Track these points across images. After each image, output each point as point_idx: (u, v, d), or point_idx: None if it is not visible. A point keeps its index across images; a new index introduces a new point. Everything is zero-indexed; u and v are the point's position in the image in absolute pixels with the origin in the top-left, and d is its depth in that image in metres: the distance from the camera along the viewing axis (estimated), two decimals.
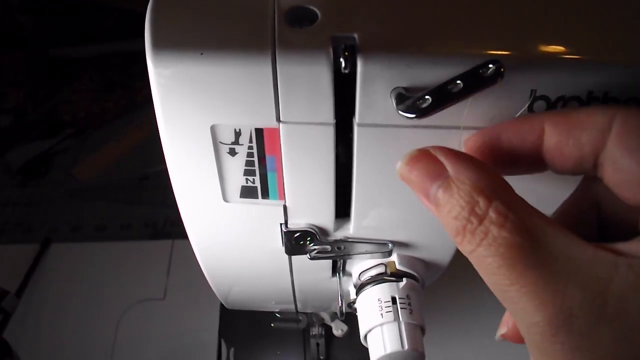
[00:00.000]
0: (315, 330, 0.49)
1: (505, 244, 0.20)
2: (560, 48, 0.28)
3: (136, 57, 0.81)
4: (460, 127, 0.28)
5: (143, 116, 0.77)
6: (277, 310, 0.45)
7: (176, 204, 0.73)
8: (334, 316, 0.46)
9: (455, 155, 0.22)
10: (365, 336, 0.34)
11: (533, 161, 0.23)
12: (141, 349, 0.51)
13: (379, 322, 0.33)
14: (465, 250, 0.21)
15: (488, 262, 0.20)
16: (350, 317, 0.47)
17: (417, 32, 0.27)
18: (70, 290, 0.56)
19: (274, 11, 0.28)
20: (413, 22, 0.28)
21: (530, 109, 0.28)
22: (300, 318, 0.44)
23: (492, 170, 0.22)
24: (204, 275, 0.56)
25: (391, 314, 0.33)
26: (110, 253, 0.59)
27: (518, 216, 0.20)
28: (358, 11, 0.28)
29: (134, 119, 0.77)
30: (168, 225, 0.67)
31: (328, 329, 0.49)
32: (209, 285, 0.55)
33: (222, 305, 0.54)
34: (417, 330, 0.33)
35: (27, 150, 0.74)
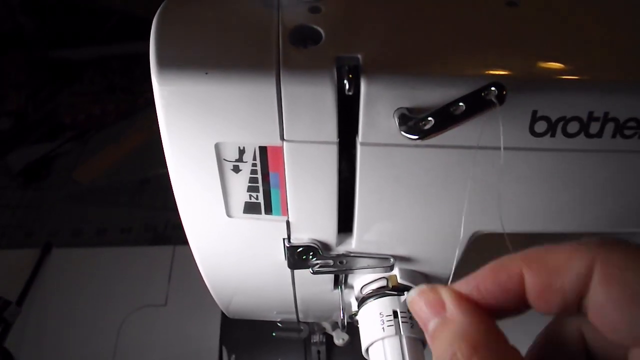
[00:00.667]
0: (316, 338, 0.49)
1: None
2: (561, 69, 0.28)
3: (137, 60, 0.81)
4: (468, 146, 0.28)
5: (144, 119, 0.77)
6: (278, 320, 0.45)
7: (177, 208, 0.73)
8: (335, 325, 0.46)
9: (458, 296, 0.23)
10: (367, 349, 0.34)
11: (518, 305, 0.23)
12: (142, 355, 0.52)
13: (380, 335, 0.33)
14: None
15: None
16: (351, 326, 0.47)
17: (420, 54, 0.28)
18: (71, 296, 0.56)
19: (278, 30, 0.28)
20: (416, 44, 0.28)
21: (531, 129, 0.28)
22: (301, 327, 0.44)
23: (486, 318, 0.22)
24: (205, 282, 0.57)
25: (393, 327, 0.33)
26: (111, 258, 0.60)
27: None
28: (362, 32, 0.28)
29: (134, 122, 0.77)
30: (169, 228, 0.68)
31: (329, 337, 0.50)
32: (210, 292, 0.56)
33: (223, 313, 0.55)
34: (418, 344, 0.33)
35: (28, 153, 0.74)
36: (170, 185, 0.75)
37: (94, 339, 0.53)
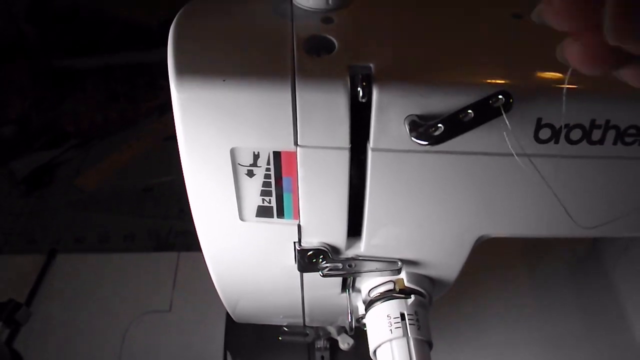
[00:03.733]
0: (320, 344, 0.50)
1: None
2: (564, 78, 0.29)
3: (140, 69, 0.82)
4: (475, 152, 0.29)
5: (146, 127, 0.77)
6: (284, 324, 0.46)
7: (179, 215, 0.73)
8: (340, 330, 0.47)
9: None
10: (375, 351, 0.35)
11: None
12: None
13: (388, 337, 0.34)
14: None
15: None
16: (355, 331, 0.48)
17: (430, 63, 0.29)
18: (77, 301, 0.56)
19: (292, 40, 0.29)
20: (425, 53, 0.29)
21: (536, 136, 0.29)
22: (307, 332, 0.45)
23: None
24: (210, 288, 0.57)
25: (400, 329, 0.34)
26: (116, 265, 0.60)
27: None
28: (373, 42, 0.30)
29: (137, 130, 0.78)
30: (172, 236, 0.68)
31: (333, 342, 0.50)
32: (215, 298, 0.56)
33: (228, 318, 0.55)
34: (425, 346, 0.34)
35: (31, 160, 0.75)
36: (173, 193, 0.76)
37: (99, 344, 0.53)
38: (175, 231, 0.69)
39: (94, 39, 0.84)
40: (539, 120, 0.29)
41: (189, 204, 0.75)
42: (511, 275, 0.58)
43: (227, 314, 0.55)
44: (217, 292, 0.56)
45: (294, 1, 0.32)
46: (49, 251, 0.61)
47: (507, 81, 0.28)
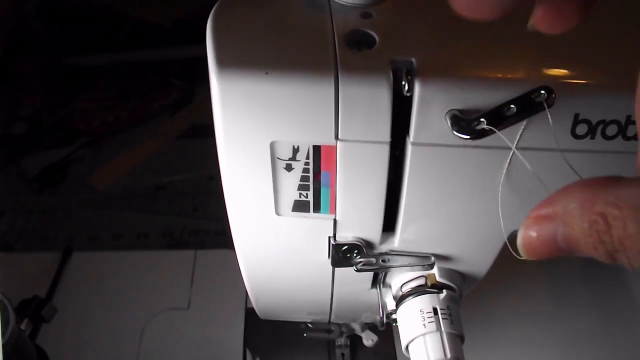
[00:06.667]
0: (341, 341, 0.50)
1: None
2: (602, 74, 0.30)
3: (151, 67, 0.81)
4: (512, 148, 0.29)
5: (158, 125, 0.77)
6: (308, 321, 0.46)
7: (193, 214, 0.73)
8: (364, 327, 0.47)
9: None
10: (407, 346, 0.35)
11: None
12: (166, 358, 0.52)
13: (421, 332, 0.34)
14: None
15: None
16: (375, 329, 0.48)
17: (470, 57, 0.29)
18: (93, 299, 0.56)
19: (333, 34, 0.29)
20: (465, 48, 0.30)
21: (573, 131, 0.30)
22: (332, 328, 0.45)
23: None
24: (228, 286, 0.57)
25: (433, 324, 0.34)
26: (133, 262, 0.60)
27: None
28: (414, 36, 0.30)
29: (149, 129, 0.77)
30: (185, 234, 0.68)
31: (353, 339, 0.50)
32: (234, 295, 0.56)
33: (247, 315, 0.55)
34: (458, 340, 0.34)
35: (43, 158, 0.75)
36: (187, 191, 0.75)
37: (117, 342, 0.53)
38: (188, 230, 0.69)
39: (105, 37, 0.84)
40: (577, 116, 0.29)
41: (202, 202, 0.75)
42: (526, 273, 0.59)
43: (246, 311, 0.55)
44: (235, 290, 0.57)
45: None
46: (64, 249, 0.60)
47: (546, 77, 0.29)
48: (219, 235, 0.67)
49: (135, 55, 0.83)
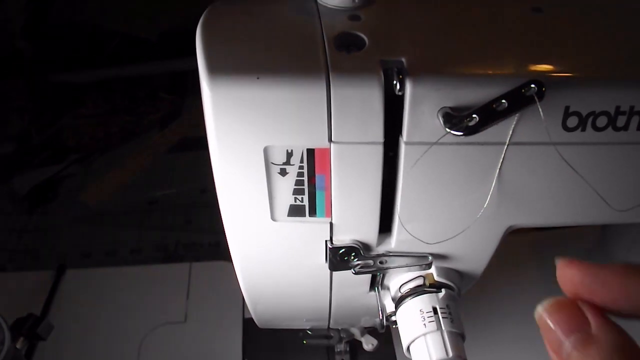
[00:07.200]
0: (340, 347, 0.49)
1: None
2: (590, 67, 0.30)
3: (140, 82, 0.81)
4: (505, 143, 0.29)
5: (148, 140, 0.77)
6: (307, 328, 0.45)
7: (186, 227, 0.73)
8: (363, 331, 0.46)
9: (601, 315, 0.21)
10: (409, 347, 0.35)
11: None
12: None
13: (422, 331, 0.34)
14: None
15: None
16: (375, 332, 0.48)
17: (460, 55, 0.29)
18: (89, 316, 0.55)
19: (322, 37, 0.30)
20: (454, 46, 0.30)
21: (564, 124, 0.30)
22: (331, 334, 0.45)
23: (635, 343, 0.20)
24: (224, 297, 0.57)
25: (434, 323, 0.34)
26: (127, 278, 0.59)
27: None
28: (402, 37, 0.30)
29: (139, 143, 0.77)
30: (180, 248, 0.67)
31: (353, 345, 0.50)
32: (231, 307, 0.56)
33: (244, 326, 0.55)
34: (459, 338, 0.34)
35: (33, 177, 0.74)
36: (179, 205, 0.75)
37: (115, 358, 0.52)
38: (182, 243, 0.68)
39: (92, 53, 0.84)
40: (567, 108, 0.29)
41: (195, 215, 0.75)
42: (521, 270, 0.59)
43: (244, 322, 0.55)
44: (232, 301, 0.56)
45: (319, 0, 0.32)
46: (58, 267, 0.60)
47: (535, 71, 0.29)
48: (213, 248, 0.67)
49: (123, 71, 0.83)
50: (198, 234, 0.68)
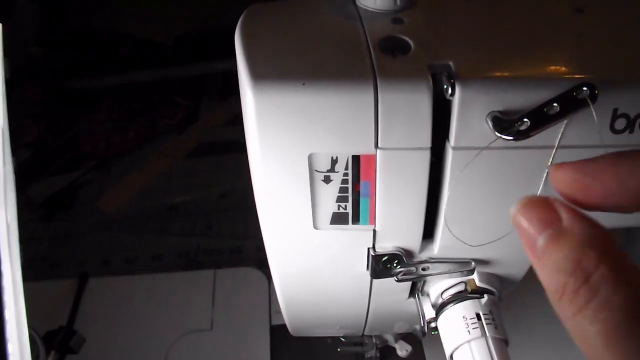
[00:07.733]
0: (371, 353, 0.49)
1: (621, 310, 0.17)
2: (637, 68, 0.30)
3: (155, 86, 0.81)
4: (554, 146, 0.29)
5: (165, 145, 0.76)
6: (340, 335, 0.45)
7: (206, 232, 0.72)
8: (397, 337, 0.46)
9: (573, 209, 0.20)
10: (452, 355, 0.34)
11: (630, 206, 0.21)
12: None
13: (466, 338, 0.33)
14: (564, 313, 0.19)
15: (593, 330, 0.18)
16: (412, 338, 0.47)
17: (508, 58, 0.29)
18: (114, 325, 0.55)
19: (367, 42, 0.29)
20: (501, 49, 0.29)
21: (612, 127, 0.29)
22: (366, 341, 0.44)
23: (606, 231, 0.20)
24: (250, 304, 0.56)
25: (478, 330, 0.33)
26: (151, 286, 0.59)
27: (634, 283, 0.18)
28: (449, 39, 0.29)
29: (156, 148, 0.76)
30: (200, 254, 0.67)
31: (383, 352, 0.49)
32: (257, 314, 0.55)
33: (272, 333, 0.54)
34: (503, 344, 0.33)
35: (50, 184, 0.73)
36: (199, 210, 0.74)
37: None
38: (202, 249, 0.67)
39: (107, 58, 0.83)
40: (615, 110, 0.29)
41: (215, 221, 0.74)
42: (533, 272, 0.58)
43: (271, 329, 0.54)
44: (258, 308, 0.56)
45: (358, 3, 0.31)
46: (80, 275, 0.59)
47: (584, 74, 0.28)
48: (234, 254, 0.66)
49: (138, 75, 0.82)
50: (219, 240, 0.67)
